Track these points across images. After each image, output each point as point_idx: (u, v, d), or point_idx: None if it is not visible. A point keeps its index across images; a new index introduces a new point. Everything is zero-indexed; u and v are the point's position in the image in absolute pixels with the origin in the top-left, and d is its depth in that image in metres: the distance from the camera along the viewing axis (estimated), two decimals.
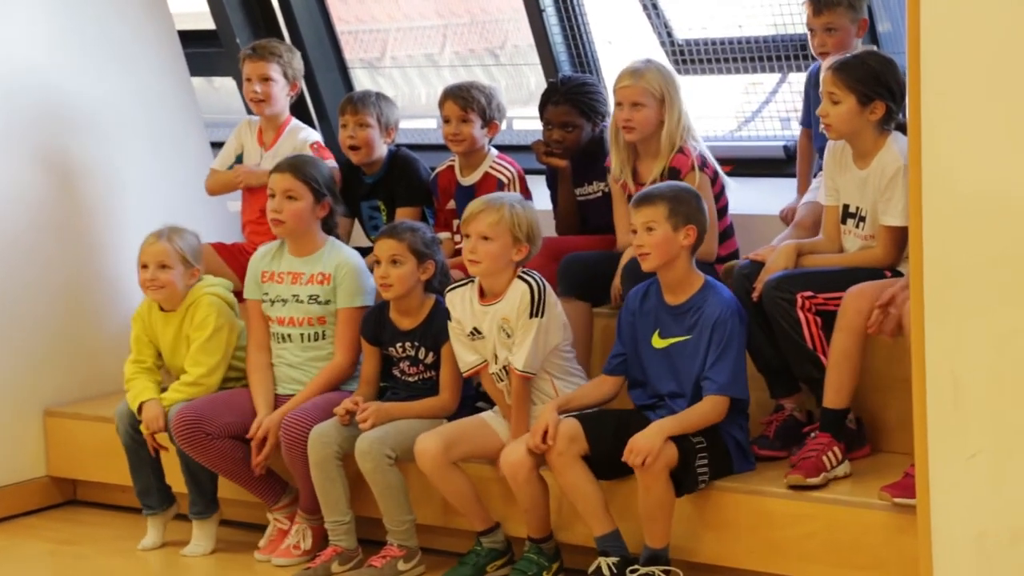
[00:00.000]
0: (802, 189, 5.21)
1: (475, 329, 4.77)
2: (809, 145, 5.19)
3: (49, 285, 5.75)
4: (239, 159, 5.72)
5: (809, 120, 5.15)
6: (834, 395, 4.45)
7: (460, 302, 4.81)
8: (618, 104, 4.97)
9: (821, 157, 4.88)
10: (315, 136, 5.72)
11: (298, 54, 5.71)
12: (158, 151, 6.07)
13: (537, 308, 4.66)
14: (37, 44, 5.76)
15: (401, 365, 4.99)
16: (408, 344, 4.96)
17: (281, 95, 5.62)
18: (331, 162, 5.54)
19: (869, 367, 4.51)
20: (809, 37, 5.08)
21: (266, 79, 5.57)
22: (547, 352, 4.71)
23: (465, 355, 4.80)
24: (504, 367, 4.73)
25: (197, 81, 6.42)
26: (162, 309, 5.25)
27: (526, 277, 4.70)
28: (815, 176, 5.14)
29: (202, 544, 5.19)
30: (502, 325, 4.71)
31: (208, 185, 5.76)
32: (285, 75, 5.61)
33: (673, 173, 4.91)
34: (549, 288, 4.72)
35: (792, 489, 4.39)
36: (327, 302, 5.08)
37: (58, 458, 5.74)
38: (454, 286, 4.85)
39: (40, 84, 5.75)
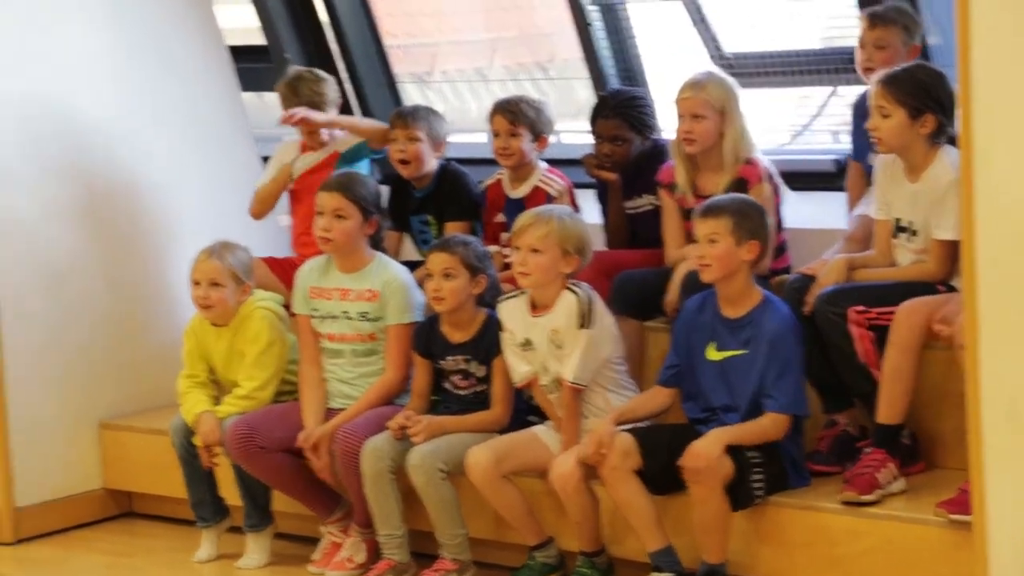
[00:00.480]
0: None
1: (526, 340, 4.79)
2: (859, 179, 5.11)
3: (102, 299, 5.80)
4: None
5: (857, 153, 5.13)
6: (888, 411, 4.45)
7: (512, 313, 4.83)
8: (680, 116, 4.99)
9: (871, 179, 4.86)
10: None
11: (330, 81, 5.71)
12: (209, 165, 6.12)
13: (585, 319, 4.67)
14: (90, 58, 5.81)
15: (452, 378, 5.02)
16: (460, 357, 4.99)
17: (320, 119, 5.64)
18: (345, 134, 5.56)
19: (924, 381, 4.51)
20: (857, 52, 5.06)
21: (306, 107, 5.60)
22: (598, 364, 4.73)
23: (518, 365, 4.83)
24: (555, 379, 4.75)
25: (247, 96, 6.46)
26: (214, 324, 5.29)
27: (574, 288, 4.72)
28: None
29: (256, 557, 5.23)
30: (552, 337, 4.73)
31: (253, 208, 5.74)
32: (324, 101, 5.65)
33: (740, 184, 4.91)
34: (598, 299, 4.74)
35: (846, 505, 4.39)
36: (377, 319, 5.11)
37: (113, 471, 5.79)
38: (506, 297, 4.88)
39: (93, 98, 5.80)
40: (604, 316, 4.75)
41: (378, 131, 5.64)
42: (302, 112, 5.57)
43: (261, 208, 5.76)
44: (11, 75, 5.61)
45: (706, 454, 4.38)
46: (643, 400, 4.71)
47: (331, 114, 5.68)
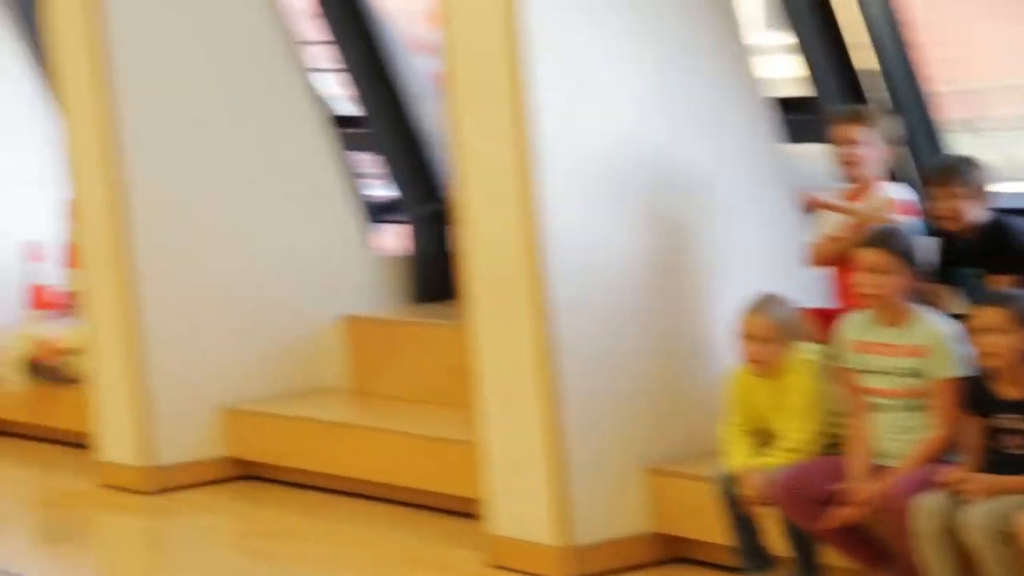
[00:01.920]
0: None
1: None
2: None
3: (651, 345, 5.95)
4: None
5: None
6: None
7: None
8: None
9: None
10: (900, 193, 5.65)
11: (893, 119, 5.67)
12: (752, 215, 6.17)
13: None
14: (640, 110, 5.97)
15: (1003, 437, 4.88)
16: (1014, 416, 4.84)
17: (871, 157, 5.61)
18: (914, 219, 5.47)
19: None
20: None
21: (855, 142, 5.59)
22: None
23: None
24: None
25: (793, 148, 6.49)
26: (759, 375, 5.37)
27: None
28: None
29: None
30: None
31: (815, 259, 5.77)
32: (877, 138, 5.61)
33: None
34: None
35: None
36: (922, 374, 5.03)
37: (659, 515, 5.92)
38: None
39: (643, 149, 5.95)
40: None
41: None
42: (818, 196, 5.62)
43: (823, 262, 5.76)
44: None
45: None
46: None
47: (849, 204, 5.56)
